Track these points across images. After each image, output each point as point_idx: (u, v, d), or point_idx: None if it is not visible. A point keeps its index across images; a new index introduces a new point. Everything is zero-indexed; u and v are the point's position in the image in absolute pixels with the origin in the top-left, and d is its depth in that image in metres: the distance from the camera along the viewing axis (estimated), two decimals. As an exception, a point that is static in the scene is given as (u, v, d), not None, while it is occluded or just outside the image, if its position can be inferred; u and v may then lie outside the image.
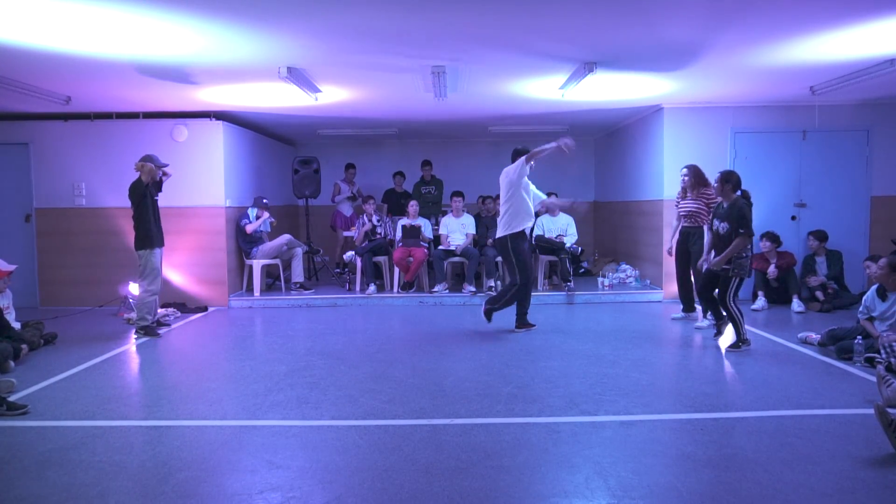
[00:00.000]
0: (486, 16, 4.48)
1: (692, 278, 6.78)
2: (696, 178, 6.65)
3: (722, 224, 5.68)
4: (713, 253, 5.80)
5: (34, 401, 4.40)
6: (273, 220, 8.81)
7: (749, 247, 5.63)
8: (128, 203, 6.62)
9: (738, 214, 5.52)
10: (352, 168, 10.43)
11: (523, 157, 6.27)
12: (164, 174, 6.73)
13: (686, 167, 6.79)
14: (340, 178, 10.49)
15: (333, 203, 10.30)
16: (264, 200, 8.63)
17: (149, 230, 6.50)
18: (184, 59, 5.53)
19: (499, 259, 8.69)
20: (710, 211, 6.35)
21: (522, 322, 6.54)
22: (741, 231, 5.49)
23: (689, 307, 7.03)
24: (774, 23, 4.72)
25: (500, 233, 6.41)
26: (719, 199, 6.37)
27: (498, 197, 8.97)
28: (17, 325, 5.97)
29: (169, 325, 7.10)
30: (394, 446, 3.56)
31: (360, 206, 9.47)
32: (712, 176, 6.63)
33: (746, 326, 5.76)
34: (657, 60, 5.83)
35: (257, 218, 8.56)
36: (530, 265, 6.50)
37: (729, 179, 5.65)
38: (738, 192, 5.65)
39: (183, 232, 7.94)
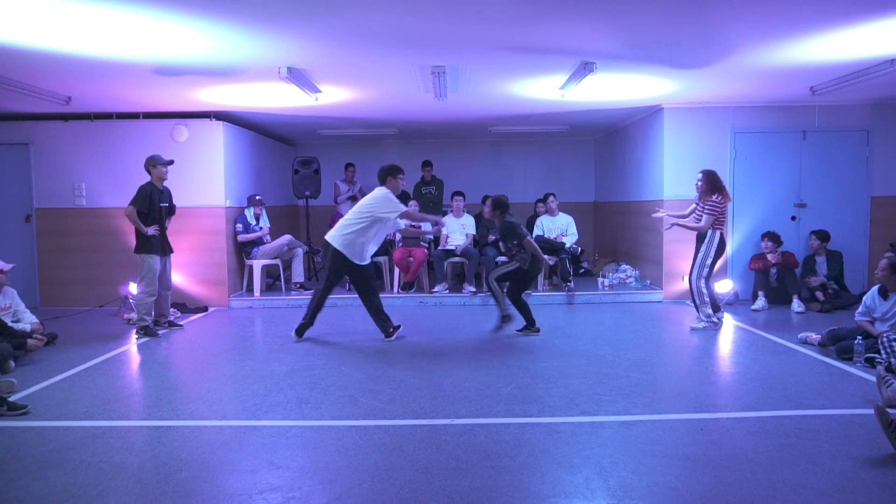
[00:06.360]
0: (485, 15, 4.48)
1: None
2: (707, 184, 6.46)
3: (505, 244, 6.50)
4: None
5: (34, 401, 4.40)
6: (268, 225, 8.76)
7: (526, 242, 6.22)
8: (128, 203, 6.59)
9: (511, 232, 6.24)
10: (351, 167, 10.36)
11: (402, 210, 6.00)
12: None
13: (701, 172, 6.59)
14: (340, 178, 10.44)
15: (336, 204, 10.23)
16: (257, 198, 8.64)
17: (147, 235, 6.50)
18: (184, 60, 5.53)
19: (499, 259, 8.70)
20: (714, 217, 6.33)
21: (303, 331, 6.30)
22: (516, 242, 6.24)
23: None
24: (774, 23, 4.72)
25: (344, 251, 6.01)
26: (722, 207, 6.33)
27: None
28: (25, 327, 5.91)
29: (181, 326, 7.08)
30: (394, 446, 3.56)
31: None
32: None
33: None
34: (657, 60, 5.82)
35: (256, 217, 8.57)
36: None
37: (497, 206, 6.31)
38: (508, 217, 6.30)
39: (183, 232, 7.93)
